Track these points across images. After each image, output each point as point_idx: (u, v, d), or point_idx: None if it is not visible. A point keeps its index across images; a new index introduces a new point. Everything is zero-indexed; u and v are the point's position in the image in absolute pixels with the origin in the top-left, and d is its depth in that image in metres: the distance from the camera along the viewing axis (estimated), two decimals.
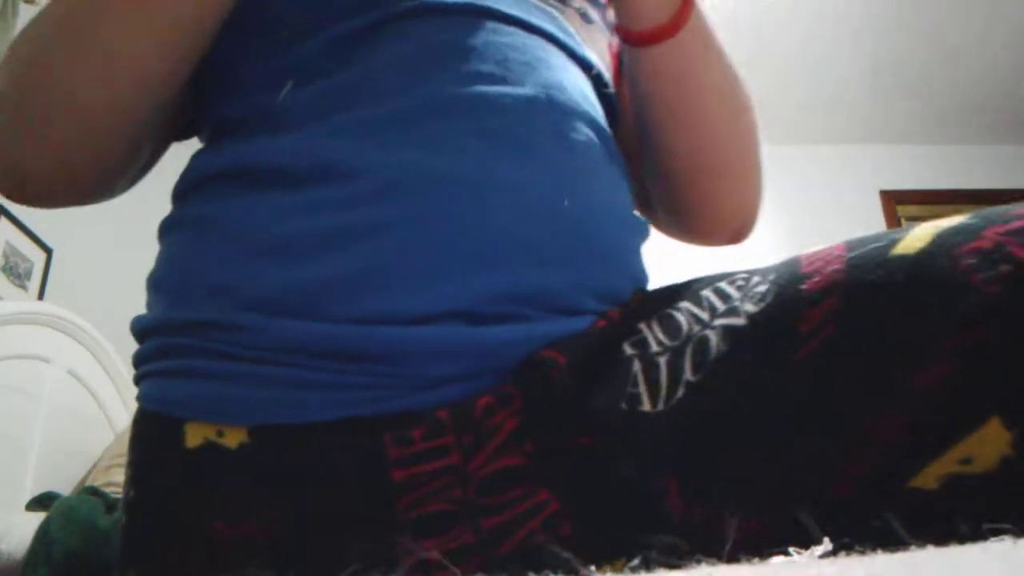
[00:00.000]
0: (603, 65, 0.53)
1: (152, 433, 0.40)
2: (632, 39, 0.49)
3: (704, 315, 0.37)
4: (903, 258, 0.30)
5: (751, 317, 0.34)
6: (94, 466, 1.83)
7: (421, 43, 0.44)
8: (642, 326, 0.40)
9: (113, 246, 3.00)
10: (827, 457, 0.29)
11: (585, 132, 0.45)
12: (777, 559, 0.15)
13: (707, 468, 0.33)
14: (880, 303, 0.30)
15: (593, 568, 0.16)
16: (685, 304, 0.39)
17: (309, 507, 0.36)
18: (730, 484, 0.32)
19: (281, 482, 0.36)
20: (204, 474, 0.37)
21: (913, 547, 0.14)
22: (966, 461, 0.26)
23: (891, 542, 0.17)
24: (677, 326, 0.38)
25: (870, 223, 3.45)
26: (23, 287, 2.38)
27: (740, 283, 0.38)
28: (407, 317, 0.37)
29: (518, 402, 0.37)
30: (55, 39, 0.43)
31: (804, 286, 0.33)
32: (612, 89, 0.55)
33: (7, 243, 2.29)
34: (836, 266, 0.32)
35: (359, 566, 0.31)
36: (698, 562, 0.15)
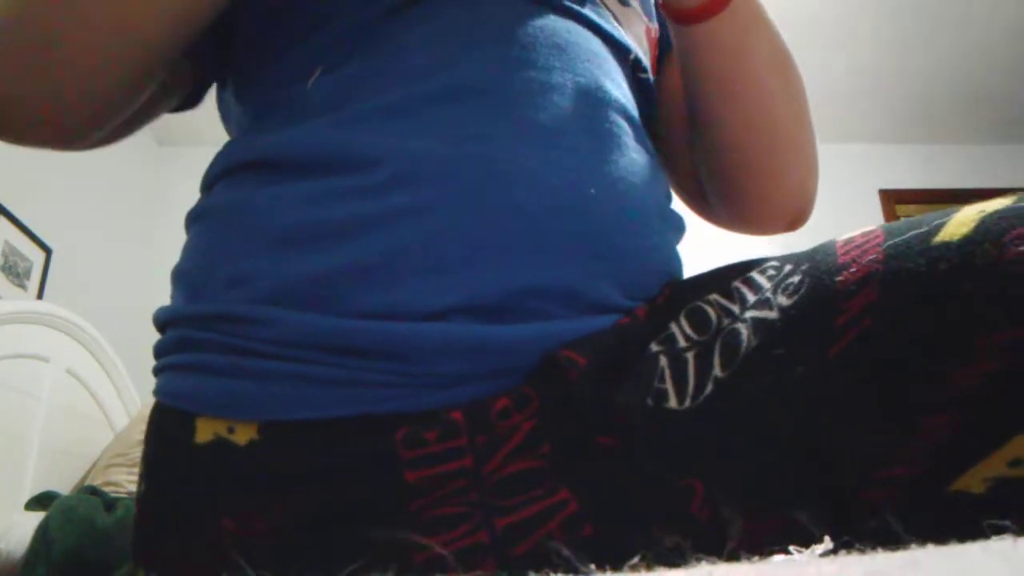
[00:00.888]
0: (641, 50, 0.52)
1: (164, 428, 0.40)
2: (683, 17, 0.47)
3: (734, 307, 0.36)
4: (946, 246, 0.28)
5: (784, 310, 0.33)
6: (93, 465, 1.83)
7: (445, 27, 0.43)
8: (670, 323, 0.38)
9: (113, 246, 3.00)
10: (863, 459, 0.28)
11: (616, 121, 0.44)
12: (777, 558, 0.15)
13: (735, 469, 0.31)
14: (921, 295, 0.28)
15: (608, 569, 0.16)
16: (714, 296, 0.38)
17: (318, 505, 0.35)
18: (758, 486, 0.31)
19: (290, 480, 0.36)
20: (212, 471, 0.37)
21: (913, 546, 0.14)
22: (1016, 463, 0.25)
23: (891, 541, 0.17)
24: (706, 319, 0.36)
25: (869, 222, 3.42)
26: (22, 286, 2.37)
27: (772, 272, 0.36)
28: (420, 312, 0.36)
29: (535, 404, 0.36)
30: None
31: (840, 277, 0.31)
32: (650, 75, 0.53)
33: (6, 242, 2.29)
34: (874, 255, 0.31)
35: (361, 563, 0.30)
36: (698, 560, 0.15)
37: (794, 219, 0.56)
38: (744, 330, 0.34)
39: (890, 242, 0.31)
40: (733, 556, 0.19)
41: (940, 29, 2.97)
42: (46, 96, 0.42)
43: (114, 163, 3.03)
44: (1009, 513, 0.24)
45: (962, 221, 0.29)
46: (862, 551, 0.14)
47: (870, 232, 0.33)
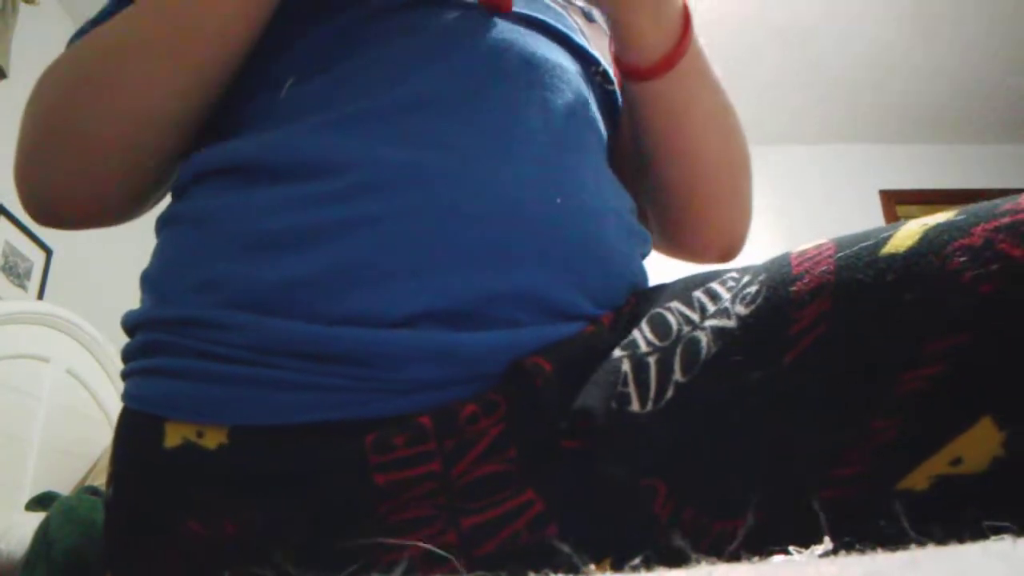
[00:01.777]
0: (606, 62, 0.53)
1: (132, 432, 0.40)
2: (632, 74, 0.49)
3: (694, 316, 0.37)
4: (892, 257, 0.30)
5: (741, 319, 0.34)
6: (94, 466, 1.83)
7: (415, 39, 0.44)
8: (632, 329, 0.39)
9: (113, 246, 3.00)
10: (817, 459, 0.29)
11: (583, 133, 0.45)
12: (777, 558, 0.15)
13: (696, 469, 0.32)
14: (870, 304, 0.30)
15: (593, 567, 0.16)
16: (675, 304, 0.39)
17: (288, 508, 0.35)
18: (719, 486, 0.32)
19: (259, 483, 0.36)
20: (181, 475, 0.37)
21: (913, 546, 0.14)
22: (957, 462, 0.26)
23: (891, 541, 0.17)
24: (667, 326, 0.38)
25: (869, 223, 3.44)
26: (23, 287, 2.37)
27: (731, 283, 0.38)
28: (386, 318, 0.37)
29: (502, 409, 0.36)
30: (77, 86, 0.45)
31: (794, 287, 0.33)
32: (616, 88, 0.55)
33: (7, 243, 2.29)
34: (826, 267, 0.32)
35: (330, 565, 0.31)
36: (697, 561, 0.15)
37: (723, 255, 0.60)
38: (704, 338, 0.35)
39: (841, 253, 0.32)
40: (733, 556, 0.19)
41: (940, 29, 2.97)
42: (88, 197, 0.48)
43: None
44: (948, 511, 0.25)
45: (908, 234, 0.30)
46: (862, 551, 0.14)
47: (822, 244, 0.34)
